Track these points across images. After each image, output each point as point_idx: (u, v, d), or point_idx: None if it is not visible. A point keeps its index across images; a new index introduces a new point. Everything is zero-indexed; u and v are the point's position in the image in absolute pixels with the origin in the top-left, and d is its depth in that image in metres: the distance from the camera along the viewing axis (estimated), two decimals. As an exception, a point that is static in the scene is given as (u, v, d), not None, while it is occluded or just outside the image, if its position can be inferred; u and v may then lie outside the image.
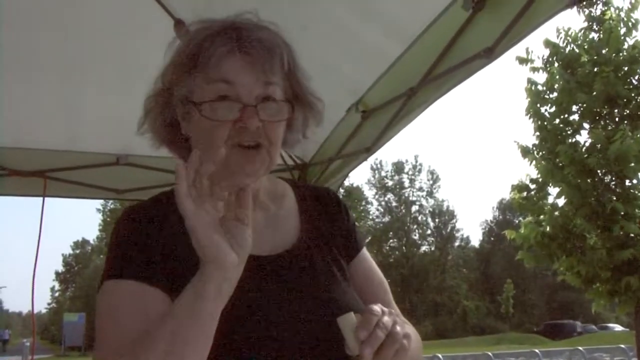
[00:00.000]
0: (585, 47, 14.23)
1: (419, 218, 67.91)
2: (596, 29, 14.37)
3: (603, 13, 14.03)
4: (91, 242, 71.60)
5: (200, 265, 0.96)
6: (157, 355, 0.93)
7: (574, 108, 14.58)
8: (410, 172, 67.36)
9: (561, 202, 14.57)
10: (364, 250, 1.35)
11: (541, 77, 14.77)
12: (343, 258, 1.27)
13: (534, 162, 14.55)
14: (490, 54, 2.13)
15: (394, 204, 67.24)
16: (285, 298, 1.11)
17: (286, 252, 1.19)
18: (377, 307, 1.00)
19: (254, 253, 1.14)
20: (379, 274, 1.35)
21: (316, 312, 1.10)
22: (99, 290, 1.11)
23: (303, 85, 1.22)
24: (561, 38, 14.38)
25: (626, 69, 13.86)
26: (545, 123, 14.59)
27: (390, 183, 67.21)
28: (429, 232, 68.29)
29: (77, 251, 72.83)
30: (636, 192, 14.00)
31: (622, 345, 14.81)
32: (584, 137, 14.59)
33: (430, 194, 67.79)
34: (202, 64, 1.11)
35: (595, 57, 13.92)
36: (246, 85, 1.10)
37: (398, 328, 1.00)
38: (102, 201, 57.22)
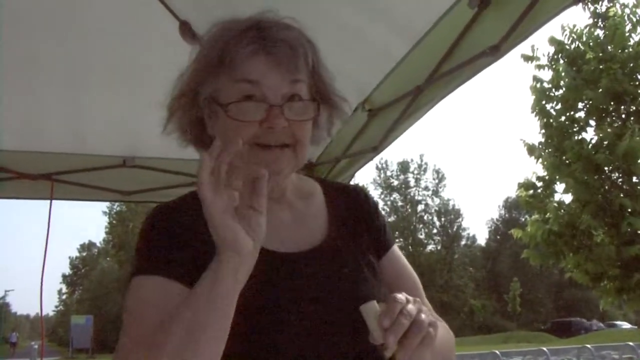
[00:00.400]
0: (591, 44, 14.18)
1: (425, 217, 67.85)
2: (601, 25, 14.31)
3: (608, 9, 13.98)
4: (98, 244, 71.85)
5: (216, 251, 0.96)
6: (175, 340, 0.93)
7: (580, 105, 14.54)
8: (415, 172, 67.34)
9: (568, 199, 14.54)
10: (395, 248, 1.34)
11: (547, 75, 14.70)
12: (373, 256, 1.27)
13: (540, 159, 14.51)
14: (496, 51, 2.13)
15: (399, 203, 67.17)
16: (313, 295, 1.11)
17: (314, 249, 1.19)
18: (401, 296, 0.99)
19: (282, 250, 1.16)
20: (410, 271, 1.35)
21: (343, 309, 1.09)
22: (129, 284, 1.13)
23: (327, 84, 1.22)
24: (566, 35, 14.33)
25: (632, 65, 13.80)
26: (551, 120, 14.55)
27: (395, 182, 67.18)
28: (435, 231, 68.20)
29: (84, 254, 73.01)
30: (643, 188, 13.95)
31: (631, 343, 14.76)
32: (590, 135, 14.55)
33: (436, 193, 67.73)
34: (227, 65, 1.11)
35: (600, 54, 13.88)
36: (272, 85, 1.11)
37: (423, 316, 0.98)
38: (108, 204, 57.52)
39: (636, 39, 13.80)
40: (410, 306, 0.98)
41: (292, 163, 1.15)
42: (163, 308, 1.05)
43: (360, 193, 1.36)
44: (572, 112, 14.64)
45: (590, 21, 14.45)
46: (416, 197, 67.19)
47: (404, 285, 1.29)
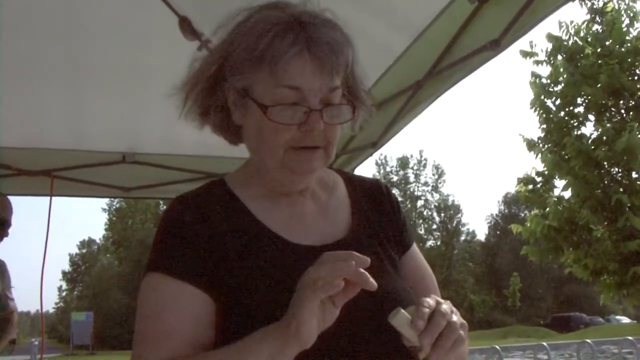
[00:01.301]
0: (589, 39, 14.18)
1: (425, 213, 67.84)
2: (599, 21, 14.31)
3: (605, 5, 13.97)
4: (97, 241, 71.85)
5: (280, 332, 0.95)
6: None
7: (579, 100, 14.55)
8: (415, 167, 67.32)
9: (567, 194, 14.55)
10: (414, 246, 1.33)
11: (545, 70, 14.77)
12: (393, 251, 1.26)
13: (539, 155, 14.52)
14: (496, 46, 2.13)
15: (399, 199, 66.87)
16: None
17: (337, 242, 1.18)
18: (431, 299, 0.98)
19: (306, 243, 1.15)
20: (429, 271, 1.34)
21: (367, 303, 1.07)
22: (143, 278, 1.11)
23: (359, 81, 1.21)
24: (564, 31, 14.32)
25: (630, 60, 13.80)
26: (551, 116, 14.56)
27: (395, 178, 67.13)
28: (434, 226, 68.23)
29: (84, 250, 72.97)
30: (642, 184, 13.96)
31: (630, 337, 14.77)
32: (589, 130, 14.56)
33: (435, 188, 67.75)
34: (268, 63, 1.08)
35: (598, 50, 13.87)
36: (313, 89, 1.09)
37: (455, 317, 0.97)
38: (107, 200, 57.54)
39: (634, 33, 13.80)
40: (444, 306, 0.97)
41: (323, 162, 1.15)
42: (183, 316, 1.05)
43: (382, 187, 1.35)
44: (571, 108, 14.66)
45: (588, 17, 14.46)
46: (416, 193, 67.27)
47: (425, 285, 1.29)
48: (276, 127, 1.09)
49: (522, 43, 16.14)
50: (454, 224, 68.23)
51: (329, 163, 1.18)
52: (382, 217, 1.28)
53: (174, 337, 1.04)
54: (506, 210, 69.48)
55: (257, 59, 1.10)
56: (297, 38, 1.09)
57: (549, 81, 14.57)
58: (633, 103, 14.22)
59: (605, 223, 13.73)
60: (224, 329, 1.06)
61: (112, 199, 50.19)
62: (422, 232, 67.17)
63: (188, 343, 1.05)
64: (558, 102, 14.58)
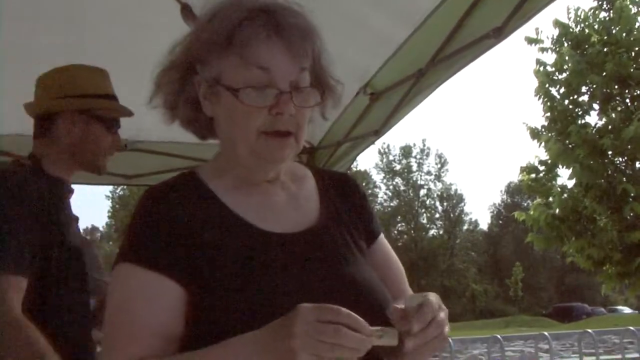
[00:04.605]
0: (596, 27, 14.08)
1: (427, 202, 67.84)
2: (606, 8, 14.21)
3: (613, -8, 13.86)
4: (100, 229, 72.10)
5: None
6: None
7: (584, 89, 14.47)
8: (418, 156, 67.24)
9: (570, 183, 14.53)
10: (382, 237, 1.35)
11: (550, 58, 14.61)
12: (362, 241, 1.27)
13: (543, 143, 14.48)
14: (499, 33, 2.11)
15: (402, 187, 67.16)
16: (309, 275, 1.12)
17: (308, 229, 1.20)
18: (421, 295, 1.02)
19: (278, 231, 1.16)
20: (396, 261, 1.36)
21: (338, 289, 1.10)
22: (114, 268, 1.12)
23: (326, 69, 1.23)
24: (571, 18, 14.23)
25: (637, 49, 13.71)
26: (555, 104, 14.49)
27: (398, 167, 67.13)
28: (437, 215, 68.26)
29: (87, 238, 73.33)
30: (647, 173, 13.93)
31: (632, 328, 14.80)
32: (593, 119, 14.51)
33: (438, 177, 67.69)
34: (237, 47, 1.10)
35: (605, 38, 13.78)
36: (282, 71, 1.11)
37: (442, 315, 1.02)
38: (111, 187, 57.61)
39: (642, 22, 13.70)
40: (432, 298, 1.02)
41: (294, 150, 1.16)
42: (155, 308, 1.06)
43: (350, 180, 1.37)
44: (575, 96, 14.60)
45: (595, 4, 14.36)
46: (418, 182, 67.22)
47: (392, 275, 1.31)
48: (248, 111, 1.10)
49: (527, 29, 16.06)
50: (457, 213, 68.24)
51: (298, 151, 1.19)
52: (350, 207, 1.30)
53: (144, 329, 1.05)
54: (509, 200, 69.50)
55: (226, 43, 1.11)
56: (266, 23, 1.11)
57: (554, 69, 14.49)
58: (639, 92, 14.15)
59: (609, 212, 13.71)
60: (196, 319, 1.07)
61: (115, 187, 50.30)
62: (425, 221, 67.26)
63: (158, 335, 1.05)
64: (563, 90, 14.51)
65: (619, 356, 13.38)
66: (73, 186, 2.20)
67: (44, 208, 1.88)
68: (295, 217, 1.21)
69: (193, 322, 1.07)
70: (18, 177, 1.91)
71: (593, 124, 14.41)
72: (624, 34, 13.64)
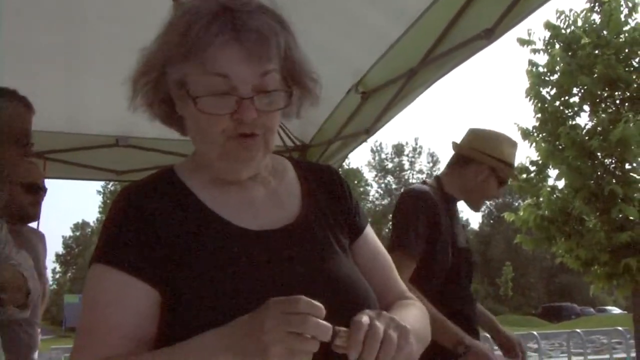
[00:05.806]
0: (586, 29, 14.14)
1: (419, 201, 67.84)
2: (597, 10, 14.27)
3: (605, -6, 13.92)
4: (91, 224, 71.68)
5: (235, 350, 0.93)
6: None
7: (575, 90, 14.52)
8: (410, 155, 67.40)
9: (561, 184, 14.59)
10: (368, 229, 1.33)
11: (542, 59, 14.63)
12: (345, 236, 1.26)
13: (534, 144, 14.53)
14: (490, 34, 2.13)
15: (393, 186, 67.23)
16: (287, 272, 1.10)
17: (288, 226, 1.18)
18: (365, 317, 0.94)
19: (255, 228, 1.15)
20: (384, 252, 1.34)
21: (317, 285, 1.09)
22: (89, 268, 1.11)
23: (300, 67, 1.19)
24: (562, 20, 14.28)
25: (627, 51, 13.78)
26: (546, 105, 14.53)
27: (390, 165, 67.21)
28: (428, 214, 68.26)
29: (77, 233, 72.83)
30: (636, 175, 14.00)
31: (620, 328, 14.91)
32: (584, 120, 14.56)
33: (430, 176, 67.69)
34: (196, 52, 1.08)
35: (595, 40, 13.84)
36: (243, 77, 1.08)
37: (392, 332, 0.94)
38: (102, 183, 57.26)
39: (632, 24, 13.77)
40: (377, 323, 0.94)
41: (262, 150, 1.14)
42: (127, 310, 1.04)
43: (333, 173, 1.34)
44: (566, 97, 14.62)
45: (587, 6, 14.40)
46: (410, 180, 67.21)
47: (380, 265, 1.30)
48: (209, 118, 1.08)
49: (519, 31, 16.10)
50: (448, 213, 68.30)
51: (268, 152, 1.17)
52: (333, 201, 1.28)
53: (115, 331, 1.04)
54: (500, 200, 69.71)
55: (186, 50, 1.09)
56: (225, 27, 1.08)
57: (545, 70, 14.53)
58: (628, 94, 14.21)
59: (598, 214, 13.78)
60: (170, 320, 1.06)
61: (106, 182, 50.07)
62: (416, 220, 67.22)
63: (130, 337, 1.04)
64: (554, 91, 14.55)
65: (607, 356, 13.47)
66: (67, 182, 2.22)
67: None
68: (274, 214, 1.19)
69: (167, 324, 1.06)
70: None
71: (583, 126, 14.46)
72: (614, 37, 13.70)
